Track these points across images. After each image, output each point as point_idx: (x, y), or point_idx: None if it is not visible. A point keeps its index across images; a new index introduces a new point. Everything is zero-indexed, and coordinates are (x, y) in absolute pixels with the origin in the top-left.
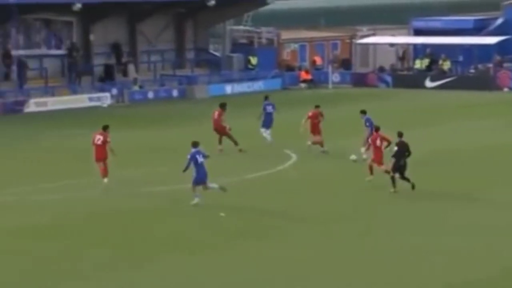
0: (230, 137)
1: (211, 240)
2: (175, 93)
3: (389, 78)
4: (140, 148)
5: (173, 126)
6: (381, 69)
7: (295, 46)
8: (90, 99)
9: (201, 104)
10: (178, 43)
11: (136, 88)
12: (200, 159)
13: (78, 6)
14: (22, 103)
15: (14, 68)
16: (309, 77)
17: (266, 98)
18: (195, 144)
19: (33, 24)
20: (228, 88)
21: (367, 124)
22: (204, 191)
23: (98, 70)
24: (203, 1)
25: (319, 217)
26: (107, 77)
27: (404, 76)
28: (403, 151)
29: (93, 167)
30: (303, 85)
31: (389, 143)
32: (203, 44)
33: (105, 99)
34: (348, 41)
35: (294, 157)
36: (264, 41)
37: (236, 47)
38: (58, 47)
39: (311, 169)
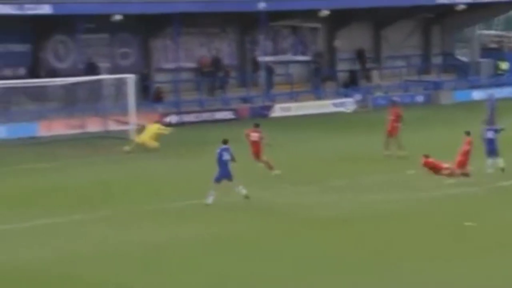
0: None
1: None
2: (419, 98)
3: None
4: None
5: (418, 131)
6: None
7: None
8: (334, 105)
9: (446, 110)
10: (424, 49)
11: (379, 93)
12: (225, 157)
13: (325, 12)
14: (268, 108)
15: (262, 74)
16: None
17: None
18: (225, 142)
19: (281, 31)
20: (475, 94)
21: None
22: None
23: (342, 76)
24: (452, 5)
25: None
26: (351, 83)
27: None
28: None
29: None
30: None
31: None
32: (449, 49)
33: (349, 104)
34: None
35: None
36: None
37: (485, 52)
38: (304, 53)
39: None
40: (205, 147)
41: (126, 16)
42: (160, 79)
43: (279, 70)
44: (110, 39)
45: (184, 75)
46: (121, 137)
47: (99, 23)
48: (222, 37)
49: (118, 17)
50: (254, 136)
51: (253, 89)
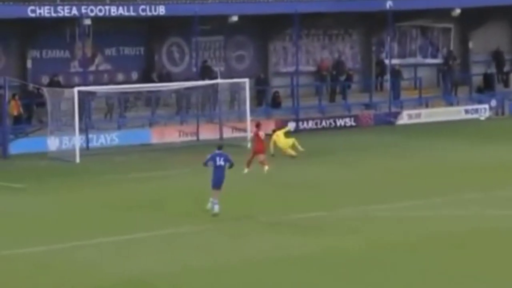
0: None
1: None
2: None
3: None
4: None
5: None
6: None
7: None
8: (467, 111)
9: None
10: None
11: None
12: (219, 162)
13: (457, 11)
14: (395, 115)
15: (388, 78)
16: None
17: None
18: (219, 147)
19: (409, 32)
20: None
21: None
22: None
23: (476, 80)
24: None
25: None
26: (486, 88)
27: None
28: None
29: (467, 183)
30: None
31: None
32: None
33: (484, 111)
34: None
35: None
36: None
37: None
38: (434, 56)
39: None
40: (325, 156)
41: (242, 17)
42: (277, 84)
43: (406, 73)
44: (226, 42)
45: (303, 80)
46: (237, 145)
47: (215, 24)
48: (345, 39)
49: (234, 18)
50: (262, 134)
51: (378, 94)
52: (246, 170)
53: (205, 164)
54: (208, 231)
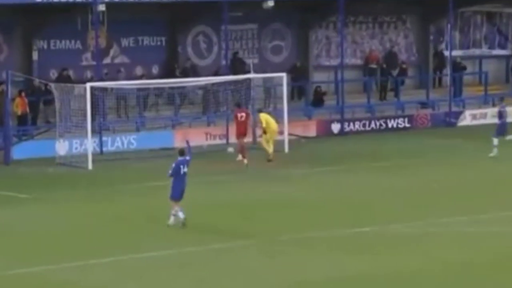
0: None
1: None
2: None
3: None
4: None
5: None
6: None
7: None
8: None
9: None
10: None
11: None
12: (183, 169)
13: None
14: (456, 115)
15: (448, 72)
16: None
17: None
18: (181, 153)
19: (473, 18)
20: None
21: None
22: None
23: None
24: None
25: None
26: None
27: None
28: None
29: None
30: None
31: None
32: None
33: None
34: None
35: None
36: None
37: None
38: (502, 46)
39: None
40: (374, 162)
41: (279, 2)
42: (319, 79)
43: (470, 67)
44: (260, 30)
45: (349, 74)
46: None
47: (247, 11)
48: (397, 27)
49: (270, 4)
50: (242, 116)
51: (436, 91)
52: (239, 157)
53: (171, 175)
54: (240, 248)
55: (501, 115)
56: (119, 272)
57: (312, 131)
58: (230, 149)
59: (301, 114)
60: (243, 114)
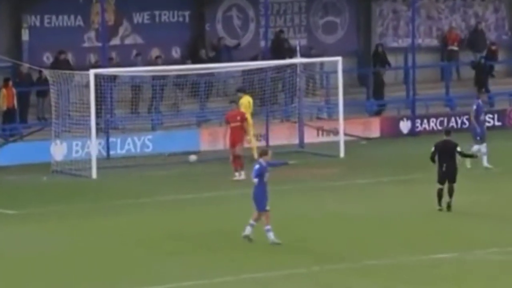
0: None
1: None
2: None
3: None
4: None
5: None
6: None
7: None
8: None
9: None
10: None
11: None
12: (267, 177)
13: None
14: None
15: None
16: None
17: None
18: (263, 154)
19: None
20: None
21: None
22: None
23: None
24: None
25: None
26: None
27: None
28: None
29: None
30: None
31: None
32: None
33: None
34: None
35: None
36: None
37: None
38: None
39: None
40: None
41: None
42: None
43: None
44: (309, 4)
45: (422, 58)
46: (325, 154)
47: None
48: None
49: None
50: (236, 118)
51: None
52: (237, 175)
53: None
54: (289, 277)
55: None
56: None
57: (375, 131)
58: (193, 157)
59: (362, 110)
60: (239, 116)
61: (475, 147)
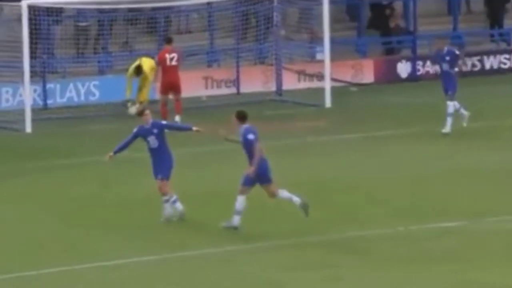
0: None
1: None
2: None
3: None
4: None
5: None
6: None
7: None
8: None
9: None
10: None
11: None
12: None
13: None
14: None
15: None
16: None
17: None
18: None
19: None
20: None
21: None
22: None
23: None
24: None
25: None
26: None
27: None
28: None
29: None
30: None
31: None
32: None
33: None
34: None
35: None
36: None
37: None
38: None
39: None
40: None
41: None
42: None
43: None
44: None
45: None
46: (310, 104)
47: None
48: None
49: None
50: (172, 57)
51: None
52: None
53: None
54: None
55: None
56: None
57: (367, 75)
58: (133, 109)
59: (352, 50)
60: (174, 55)
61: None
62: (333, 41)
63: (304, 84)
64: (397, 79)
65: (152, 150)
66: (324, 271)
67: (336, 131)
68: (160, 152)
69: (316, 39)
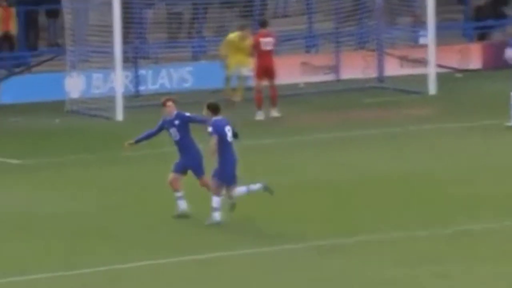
0: None
1: None
2: None
3: None
4: None
5: None
6: None
7: None
8: None
9: None
10: None
11: None
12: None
13: None
14: None
15: None
16: None
17: None
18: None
19: None
20: None
21: None
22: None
23: None
24: None
25: None
26: None
27: None
28: None
29: None
30: None
31: None
32: None
33: None
34: None
35: None
36: None
37: None
38: None
39: None
40: None
41: None
42: None
43: None
44: None
45: None
46: (413, 91)
47: None
48: None
49: None
50: (268, 43)
51: None
52: (273, 113)
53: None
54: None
55: None
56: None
57: (475, 61)
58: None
59: (458, 34)
60: (270, 39)
61: None
62: (438, 26)
63: (407, 70)
64: (505, 65)
65: (176, 143)
66: (431, 267)
67: (441, 120)
68: (184, 146)
69: (420, 23)
